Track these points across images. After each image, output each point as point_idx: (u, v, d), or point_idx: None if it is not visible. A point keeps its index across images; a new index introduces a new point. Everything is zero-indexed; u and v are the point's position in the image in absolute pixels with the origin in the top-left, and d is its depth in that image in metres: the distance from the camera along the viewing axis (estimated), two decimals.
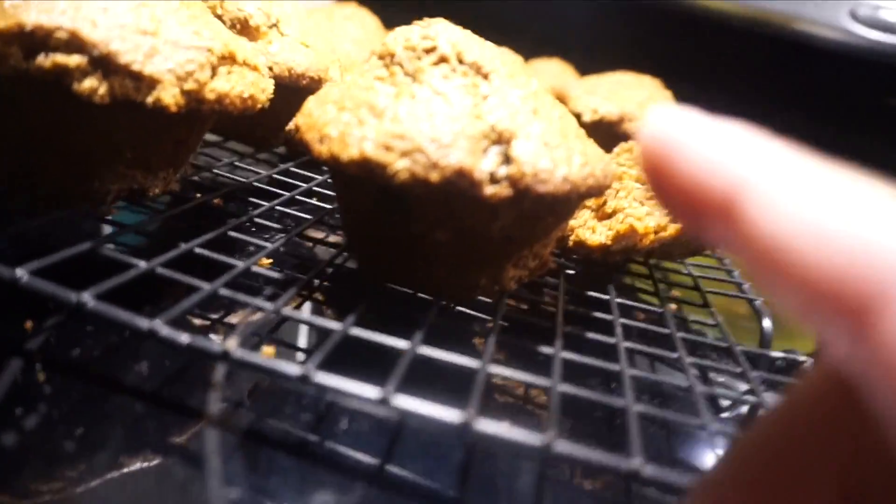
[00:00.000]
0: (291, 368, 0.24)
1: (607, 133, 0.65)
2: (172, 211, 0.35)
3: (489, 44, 0.32)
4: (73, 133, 0.30)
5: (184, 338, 0.25)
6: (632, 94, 0.67)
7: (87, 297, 0.25)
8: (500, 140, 0.28)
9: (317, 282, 0.33)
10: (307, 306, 0.36)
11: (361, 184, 0.29)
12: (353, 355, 0.26)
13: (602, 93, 0.66)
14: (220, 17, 0.46)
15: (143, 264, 0.29)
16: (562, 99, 0.69)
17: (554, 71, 0.85)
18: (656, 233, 0.38)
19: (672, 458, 0.31)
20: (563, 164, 0.28)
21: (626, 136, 0.65)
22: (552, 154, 0.28)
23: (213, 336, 0.31)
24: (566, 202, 0.30)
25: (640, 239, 0.38)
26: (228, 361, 0.24)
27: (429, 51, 0.30)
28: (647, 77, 0.72)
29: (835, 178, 0.14)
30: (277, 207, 0.41)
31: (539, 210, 0.29)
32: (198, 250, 0.32)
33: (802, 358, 0.35)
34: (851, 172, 0.14)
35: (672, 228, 0.37)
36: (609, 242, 0.39)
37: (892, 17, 0.85)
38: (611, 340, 0.32)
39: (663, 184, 0.16)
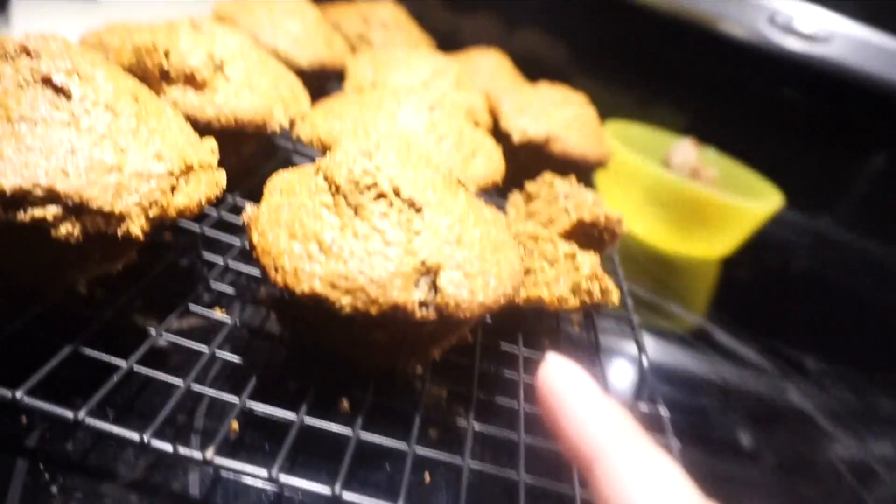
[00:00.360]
0: (261, 472, 0.30)
1: (535, 151, 0.71)
2: (131, 293, 0.39)
3: (425, 170, 0.37)
4: (48, 254, 0.33)
5: (169, 447, 0.31)
6: (559, 114, 0.72)
7: (83, 415, 0.30)
8: (429, 272, 0.34)
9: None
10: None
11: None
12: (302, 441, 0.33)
13: (531, 112, 0.71)
14: (166, 73, 0.48)
15: (123, 365, 0.34)
16: (494, 114, 0.73)
17: (490, 67, 0.88)
18: (560, 302, 0.45)
19: None
20: (480, 291, 0.35)
21: (551, 154, 0.71)
22: (471, 283, 0.34)
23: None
24: (482, 316, 0.36)
25: (546, 305, 0.45)
26: (211, 467, 0.31)
27: (369, 186, 0.35)
28: (575, 94, 0.76)
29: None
30: (230, 265, 0.46)
31: (460, 321, 0.36)
32: (166, 339, 0.37)
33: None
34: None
35: (574, 301, 0.45)
36: (520, 303, 0.46)
37: (803, 27, 0.92)
38: (515, 405, 0.40)
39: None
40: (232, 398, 0.34)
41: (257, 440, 0.36)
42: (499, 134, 0.72)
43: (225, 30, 0.55)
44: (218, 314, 0.41)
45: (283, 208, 0.36)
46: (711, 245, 0.88)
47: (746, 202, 0.82)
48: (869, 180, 1.16)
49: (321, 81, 0.77)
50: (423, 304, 0.34)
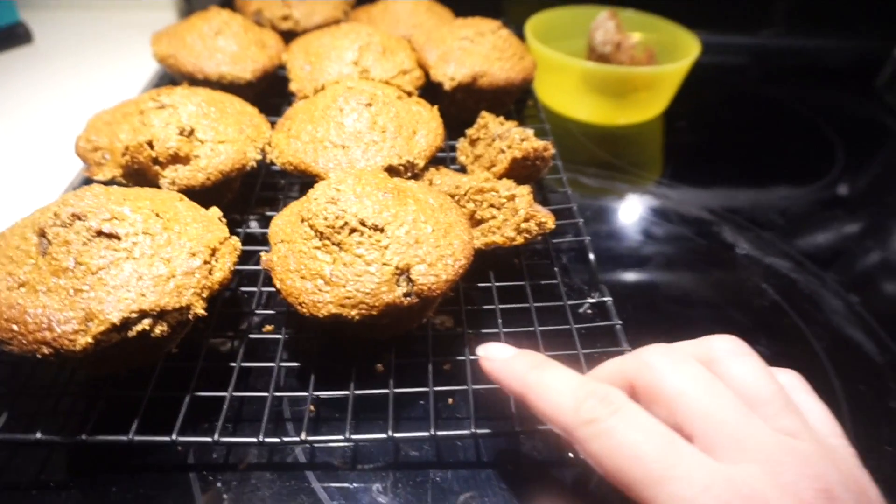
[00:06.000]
0: (339, 437, 0.46)
1: (466, 90, 0.81)
2: (206, 342, 0.54)
3: (376, 194, 0.50)
4: (151, 343, 0.48)
5: (278, 440, 0.47)
6: (478, 50, 0.80)
7: (217, 437, 0.46)
8: (403, 271, 0.48)
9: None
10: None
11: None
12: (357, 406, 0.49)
13: (454, 57, 0.80)
14: (156, 160, 0.59)
15: (226, 394, 0.49)
16: (423, 67, 0.82)
17: (407, 11, 0.95)
18: (510, 241, 0.59)
19: None
20: (443, 272, 0.49)
21: (480, 89, 0.81)
22: (434, 269, 0.48)
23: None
24: (452, 286, 0.50)
25: (501, 246, 0.59)
26: (307, 443, 0.47)
27: (342, 227, 0.48)
28: (487, 22, 0.84)
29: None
30: (263, 291, 0.60)
31: (437, 297, 0.50)
32: (243, 365, 0.52)
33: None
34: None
35: (520, 238, 0.58)
36: (482, 247, 0.60)
37: None
38: (495, 331, 0.55)
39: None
40: (304, 393, 0.50)
41: (329, 414, 0.52)
42: (431, 84, 0.82)
43: (181, 94, 0.65)
44: (270, 332, 0.56)
45: (290, 257, 0.49)
46: (648, 109, 0.99)
47: (665, 67, 0.92)
48: None
49: (267, 80, 0.86)
50: (406, 295, 0.48)
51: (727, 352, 0.37)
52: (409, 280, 0.48)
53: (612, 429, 0.34)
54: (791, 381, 0.39)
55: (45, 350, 0.42)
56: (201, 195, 0.61)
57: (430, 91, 0.82)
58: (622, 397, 0.36)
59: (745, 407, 0.34)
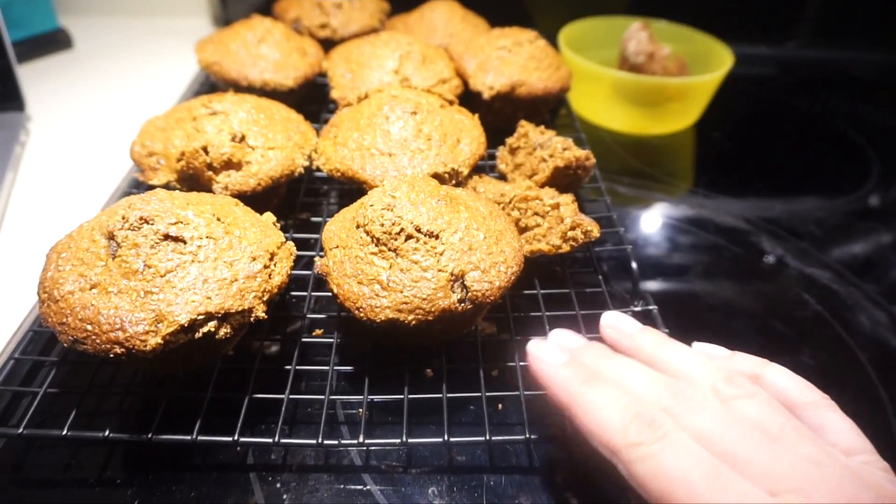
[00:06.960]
0: (395, 441, 0.47)
1: (504, 99, 0.82)
2: (260, 347, 0.55)
3: (430, 201, 0.50)
4: (212, 344, 0.49)
5: (336, 442, 0.48)
6: (516, 60, 0.81)
7: (277, 438, 0.47)
8: (458, 277, 0.49)
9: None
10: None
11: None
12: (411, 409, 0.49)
13: (492, 66, 0.81)
14: (210, 165, 0.60)
15: (283, 397, 0.50)
16: (462, 76, 0.83)
17: (443, 21, 0.96)
18: (556, 249, 0.59)
19: None
20: (497, 279, 0.49)
21: (518, 98, 0.82)
22: (488, 276, 0.49)
23: None
24: (505, 293, 0.51)
25: (547, 254, 0.60)
26: (364, 446, 0.48)
27: (399, 233, 0.49)
28: (524, 32, 0.85)
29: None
30: (313, 296, 0.61)
31: (490, 302, 0.51)
32: (297, 369, 0.53)
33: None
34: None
35: (566, 246, 0.59)
36: (528, 255, 0.61)
37: None
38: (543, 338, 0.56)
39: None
40: (359, 397, 0.51)
41: (382, 417, 0.52)
42: (471, 92, 0.83)
43: (232, 101, 0.67)
44: (319, 336, 0.57)
45: (346, 263, 0.50)
46: (680, 119, 0.99)
47: (698, 78, 0.92)
48: None
49: (306, 87, 0.87)
50: (461, 301, 0.49)
51: (730, 397, 0.38)
52: (464, 286, 0.49)
53: (659, 453, 0.34)
54: (816, 400, 0.39)
55: (118, 350, 0.43)
56: (250, 200, 0.63)
57: (465, 100, 0.83)
58: (669, 422, 0.36)
59: (765, 440, 0.35)
